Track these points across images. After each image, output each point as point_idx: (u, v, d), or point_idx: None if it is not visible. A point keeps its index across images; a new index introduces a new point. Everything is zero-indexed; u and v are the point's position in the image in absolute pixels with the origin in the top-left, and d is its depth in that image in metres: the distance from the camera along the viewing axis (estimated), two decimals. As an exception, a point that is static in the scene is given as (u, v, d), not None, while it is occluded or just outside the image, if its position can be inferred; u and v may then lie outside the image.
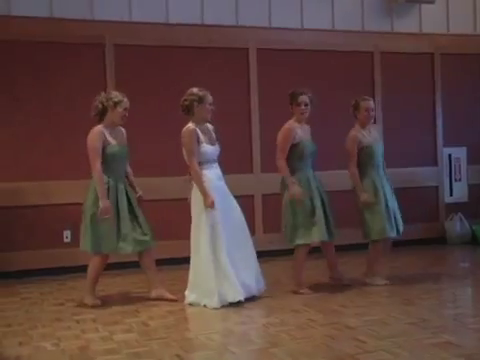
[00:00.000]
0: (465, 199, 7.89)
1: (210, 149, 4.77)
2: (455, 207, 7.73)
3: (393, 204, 5.20)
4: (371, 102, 5.22)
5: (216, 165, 4.83)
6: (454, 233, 7.57)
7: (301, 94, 4.96)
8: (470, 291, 5.28)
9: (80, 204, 6.24)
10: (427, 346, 3.42)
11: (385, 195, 5.14)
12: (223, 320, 4.24)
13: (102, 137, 4.73)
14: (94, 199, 4.69)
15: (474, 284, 5.44)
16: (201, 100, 4.75)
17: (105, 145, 4.75)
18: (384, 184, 5.18)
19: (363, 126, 5.21)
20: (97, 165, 4.67)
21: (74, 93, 6.36)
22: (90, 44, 6.42)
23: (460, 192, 7.89)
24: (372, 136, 5.24)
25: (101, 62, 6.47)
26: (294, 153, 4.93)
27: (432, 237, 7.61)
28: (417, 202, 7.59)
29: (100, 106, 4.81)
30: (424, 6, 7.67)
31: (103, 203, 4.61)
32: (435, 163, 7.82)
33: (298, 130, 4.96)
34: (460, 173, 7.91)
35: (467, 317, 4.18)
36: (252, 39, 6.98)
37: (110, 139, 4.78)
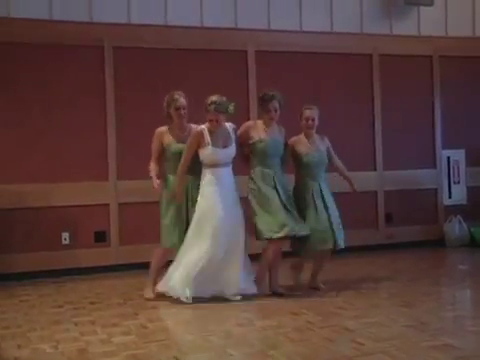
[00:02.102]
0: (464, 201, 7.90)
1: (214, 151, 4.76)
2: (454, 209, 7.74)
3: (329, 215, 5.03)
4: (309, 111, 5.10)
5: (222, 168, 4.81)
6: (453, 235, 7.57)
7: (272, 99, 4.95)
8: (469, 293, 5.27)
9: (79, 206, 6.32)
10: (426, 348, 3.41)
11: (316, 205, 5.01)
12: (221, 322, 4.24)
13: (159, 137, 4.97)
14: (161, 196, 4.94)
15: (473, 286, 5.43)
16: (206, 109, 4.79)
17: (166, 145, 4.94)
18: (314, 195, 5.04)
19: (306, 135, 5.16)
20: (151, 163, 4.95)
21: (73, 95, 6.37)
22: (89, 46, 6.43)
23: (459, 194, 7.90)
24: (312, 147, 5.12)
25: (100, 64, 6.47)
26: (252, 151, 5.02)
27: (431, 239, 7.61)
28: (416, 204, 7.61)
29: (165, 110, 5.01)
30: (423, 8, 7.68)
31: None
32: (434, 165, 7.83)
33: (255, 129, 5.00)
34: (459, 175, 7.92)
35: (466, 319, 4.18)
36: (251, 41, 6.99)
37: (171, 139, 4.93)
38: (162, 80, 6.35)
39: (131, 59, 6.55)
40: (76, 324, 4.27)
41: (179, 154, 4.85)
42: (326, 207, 5.03)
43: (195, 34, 6.76)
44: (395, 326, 3.91)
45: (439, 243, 7.58)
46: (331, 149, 5.28)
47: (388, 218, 7.52)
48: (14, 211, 6.13)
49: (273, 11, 7.11)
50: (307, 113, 5.11)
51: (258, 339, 3.74)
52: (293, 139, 5.17)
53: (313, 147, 5.14)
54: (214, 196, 4.76)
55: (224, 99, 4.80)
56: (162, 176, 4.94)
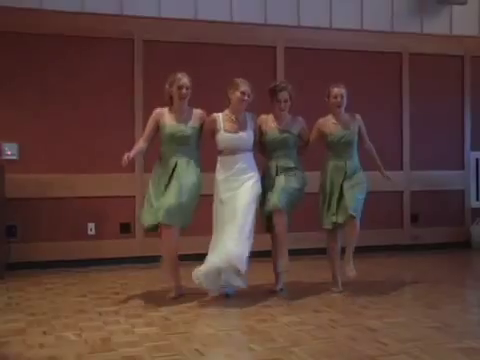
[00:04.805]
0: (491, 204, 7.80)
1: (226, 137, 4.75)
2: (481, 212, 7.65)
3: (347, 195, 4.90)
4: (337, 89, 5.04)
5: (236, 156, 4.75)
6: (479, 238, 7.47)
7: (282, 90, 4.94)
8: (495, 297, 5.20)
9: (105, 197, 6.39)
10: (450, 351, 3.38)
11: (332, 186, 4.97)
12: (243, 317, 4.24)
13: (156, 117, 4.82)
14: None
15: (499, 290, 5.36)
16: (234, 87, 4.75)
17: (160, 125, 4.79)
18: (337, 175, 4.97)
19: (334, 113, 5.06)
20: (139, 141, 4.92)
21: (102, 88, 6.43)
22: (119, 39, 6.49)
23: (486, 197, 7.80)
24: (339, 125, 5.02)
25: (130, 57, 6.53)
26: (262, 143, 5.04)
27: (457, 241, 7.53)
28: (443, 206, 7.53)
29: (167, 91, 4.81)
30: (455, 7, 7.58)
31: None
32: (462, 167, 7.73)
33: (265, 122, 5.00)
34: (487, 178, 7.81)
35: (491, 323, 4.12)
36: (280, 38, 6.97)
37: (167, 119, 4.77)
38: (190, 74, 6.35)
39: (160, 53, 6.58)
40: (100, 313, 4.32)
41: (171, 136, 4.72)
42: (343, 187, 4.92)
43: (224, 29, 6.77)
44: (419, 327, 3.88)
45: (465, 245, 7.50)
46: (363, 128, 5.13)
47: (414, 219, 7.45)
48: (41, 201, 6.22)
49: (303, 7, 7.09)
50: (335, 91, 5.04)
51: (281, 335, 3.73)
52: (320, 121, 5.12)
53: (340, 125, 5.04)
54: (219, 184, 4.78)
55: None
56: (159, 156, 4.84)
